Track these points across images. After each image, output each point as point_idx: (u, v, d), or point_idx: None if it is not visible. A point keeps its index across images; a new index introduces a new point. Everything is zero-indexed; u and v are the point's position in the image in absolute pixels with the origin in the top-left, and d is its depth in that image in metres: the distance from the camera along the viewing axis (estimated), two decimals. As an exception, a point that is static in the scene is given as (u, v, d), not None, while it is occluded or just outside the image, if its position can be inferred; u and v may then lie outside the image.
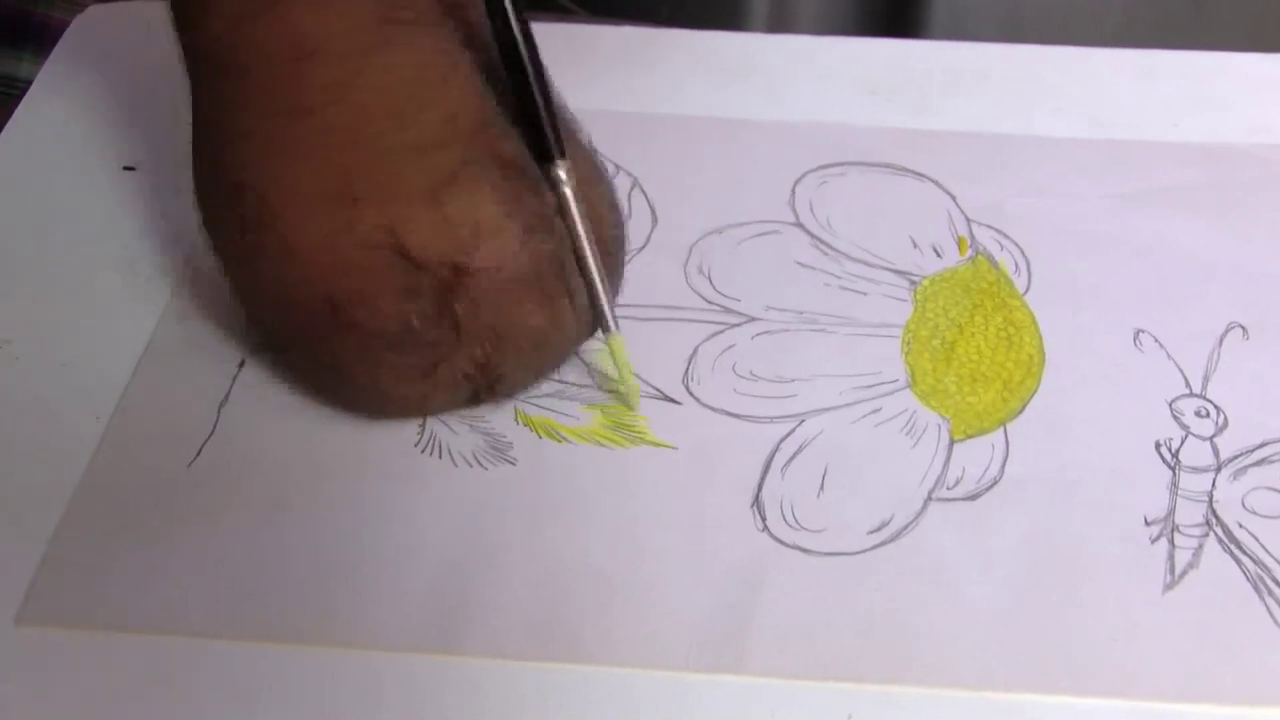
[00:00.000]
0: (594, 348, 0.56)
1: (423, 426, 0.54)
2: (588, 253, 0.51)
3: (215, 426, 0.54)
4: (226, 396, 0.55)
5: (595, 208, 0.53)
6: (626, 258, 0.58)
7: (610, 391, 0.56)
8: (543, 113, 0.51)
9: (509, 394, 0.54)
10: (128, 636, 0.48)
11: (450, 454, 0.53)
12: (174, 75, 0.52)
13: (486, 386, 0.52)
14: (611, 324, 0.53)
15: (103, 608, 0.49)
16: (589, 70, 0.70)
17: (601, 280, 0.52)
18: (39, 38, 0.80)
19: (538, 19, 0.71)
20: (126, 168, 0.64)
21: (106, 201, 0.63)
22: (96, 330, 0.57)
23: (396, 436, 0.54)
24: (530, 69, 0.51)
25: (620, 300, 0.58)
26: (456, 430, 0.54)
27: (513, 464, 0.53)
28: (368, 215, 0.48)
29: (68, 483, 0.52)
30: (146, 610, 0.48)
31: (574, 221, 0.51)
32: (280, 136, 0.49)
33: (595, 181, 0.54)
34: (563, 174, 0.51)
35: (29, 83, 0.70)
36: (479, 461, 0.53)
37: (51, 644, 0.48)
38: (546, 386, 0.56)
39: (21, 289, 0.59)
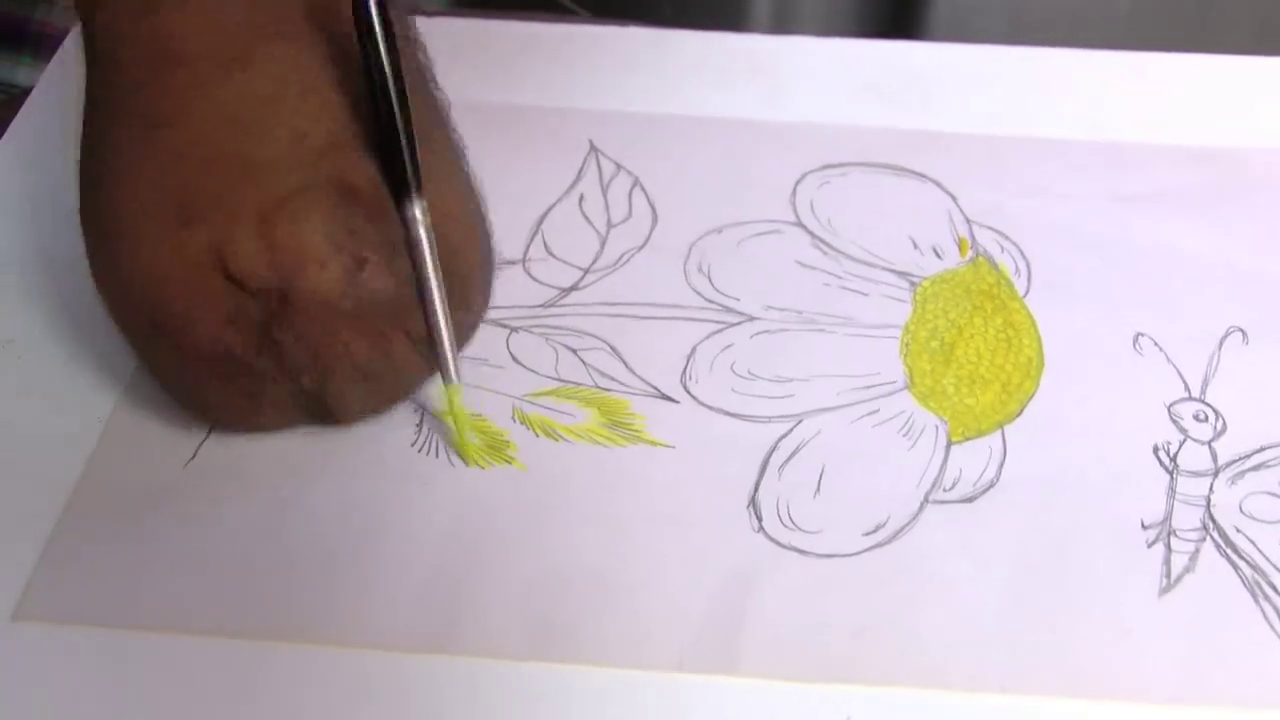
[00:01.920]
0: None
1: (419, 426, 0.54)
2: (434, 297, 0.48)
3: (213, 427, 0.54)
4: (225, 394, 0.55)
5: (456, 241, 0.50)
6: (626, 255, 0.59)
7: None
8: (403, 145, 0.48)
9: (352, 420, 0.53)
10: (124, 633, 0.48)
11: (447, 453, 0.53)
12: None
13: (321, 413, 0.51)
14: (452, 374, 0.51)
15: (100, 605, 0.49)
16: (591, 70, 0.70)
17: (445, 325, 0.49)
18: (37, 43, 0.80)
19: (539, 19, 0.72)
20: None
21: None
22: (97, 331, 0.57)
23: (394, 437, 0.54)
24: (394, 97, 0.47)
25: (619, 298, 0.58)
26: (454, 429, 0.54)
27: (509, 462, 0.53)
28: (199, 234, 0.46)
29: (67, 480, 0.52)
30: (143, 607, 0.49)
31: (423, 262, 0.48)
32: (135, 146, 0.48)
33: (461, 215, 0.51)
34: (417, 212, 0.48)
35: (28, 88, 0.70)
36: (476, 460, 0.53)
37: (49, 640, 0.48)
38: (544, 384, 0.56)
39: (24, 290, 0.59)
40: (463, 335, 0.52)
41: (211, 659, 0.47)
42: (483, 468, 0.53)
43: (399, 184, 0.48)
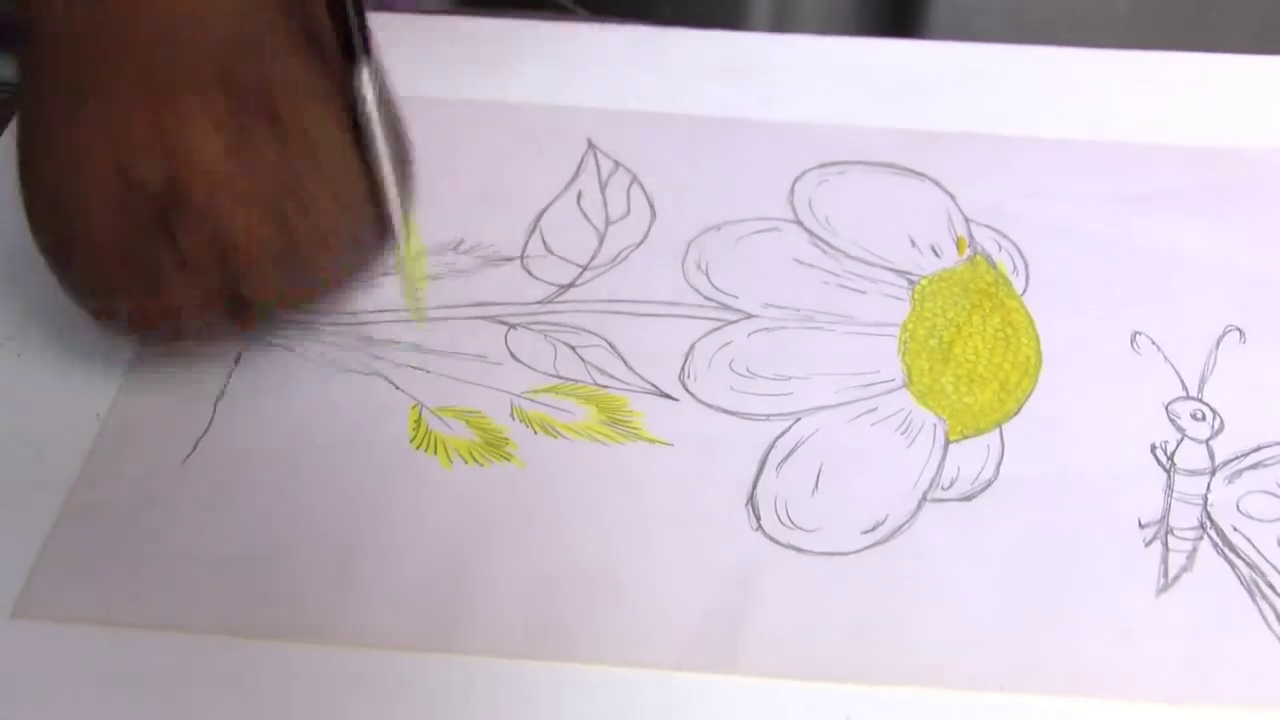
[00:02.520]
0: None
1: (419, 424, 0.54)
2: (382, 161, 0.50)
3: (211, 422, 0.54)
4: (223, 392, 0.55)
5: (392, 122, 0.51)
6: (625, 252, 0.60)
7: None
8: (351, 12, 0.48)
9: (273, 315, 0.52)
10: (123, 631, 0.48)
11: (446, 450, 0.53)
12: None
13: (237, 306, 0.50)
14: (399, 228, 0.51)
15: (98, 602, 0.49)
16: (589, 68, 0.70)
17: (393, 190, 0.50)
18: None
19: (538, 17, 0.72)
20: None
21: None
22: (96, 329, 0.57)
23: (392, 433, 0.54)
24: None
25: (617, 295, 0.58)
26: (452, 426, 0.54)
27: (508, 460, 0.53)
28: (90, 121, 0.46)
29: (65, 478, 0.52)
30: (142, 605, 0.49)
31: (371, 125, 0.49)
32: (44, 27, 0.46)
33: (391, 99, 0.52)
34: (365, 76, 0.48)
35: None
36: (474, 458, 0.53)
37: (48, 638, 0.48)
38: (543, 381, 0.56)
39: (22, 289, 0.59)
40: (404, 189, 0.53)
41: (210, 657, 0.47)
42: (483, 465, 0.53)
43: (347, 53, 0.48)
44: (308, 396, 0.55)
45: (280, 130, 0.48)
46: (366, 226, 0.51)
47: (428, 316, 0.56)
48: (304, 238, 0.49)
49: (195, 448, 0.53)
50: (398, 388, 0.55)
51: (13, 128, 0.64)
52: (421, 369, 0.56)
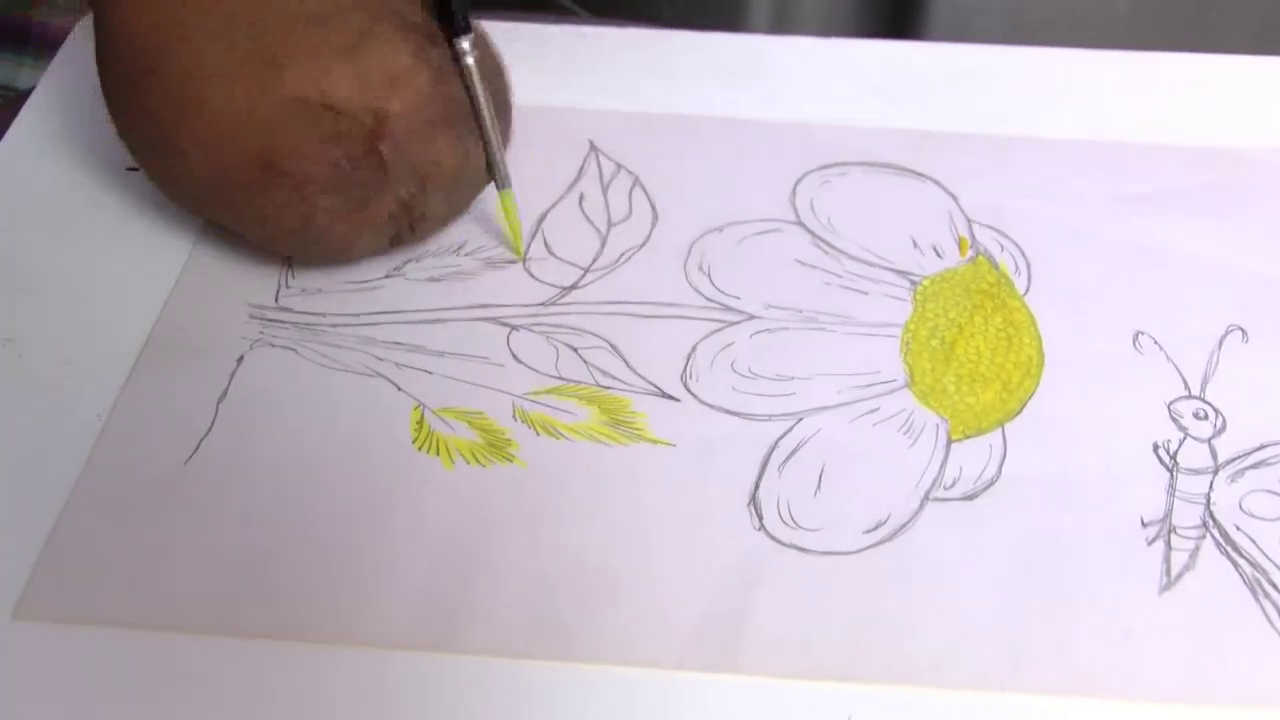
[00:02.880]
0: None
1: (421, 425, 0.54)
2: (486, 118, 0.57)
3: (213, 423, 0.54)
4: (225, 393, 0.55)
5: (492, 78, 0.58)
6: (627, 254, 0.61)
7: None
8: None
9: (426, 234, 0.60)
10: (125, 632, 0.48)
11: (448, 451, 0.53)
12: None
13: (409, 226, 0.58)
14: (505, 178, 0.59)
15: (100, 603, 0.49)
16: (591, 70, 0.70)
17: (497, 140, 0.58)
18: (39, 44, 0.80)
19: (540, 19, 0.72)
20: (129, 169, 0.64)
21: (109, 202, 0.63)
22: (98, 329, 0.57)
23: (394, 434, 0.54)
24: None
25: (619, 297, 0.58)
26: (454, 427, 0.54)
27: (510, 461, 0.53)
28: (290, 76, 0.53)
29: (67, 479, 0.52)
30: (144, 606, 0.49)
31: (474, 87, 0.56)
32: (191, 20, 0.53)
33: (491, 54, 0.59)
34: (466, 45, 0.55)
35: (28, 89, 0.70)
36: (476, 458, 0.53)
37: (50, 639, 0.48)
38: (545, 382, 0.56)
39: (25, 288, 0.59)
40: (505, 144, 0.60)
41: (212, 657, 0.47)
42: (485, 466, 0.53)
43: (449, 27, 0.56)
44: (310, 397, 0.55)
45: (450, 67, 0.56)
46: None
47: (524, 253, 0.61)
48: (472, 163, 0.57)
49: (197, 448, 0.53)
50: (400, 389, 0.55)
51: (14, 130, 0.65)
52: (423, 370, 0.56)
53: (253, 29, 0.53)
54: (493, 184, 0.60)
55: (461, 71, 0.56)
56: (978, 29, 0.81)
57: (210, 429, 0.54)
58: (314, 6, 0.54)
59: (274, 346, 0.57)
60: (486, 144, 0.57)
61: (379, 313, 0.58)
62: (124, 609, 0.48)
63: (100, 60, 0.57)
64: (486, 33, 0.59)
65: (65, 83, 0.69)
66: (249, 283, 0.60)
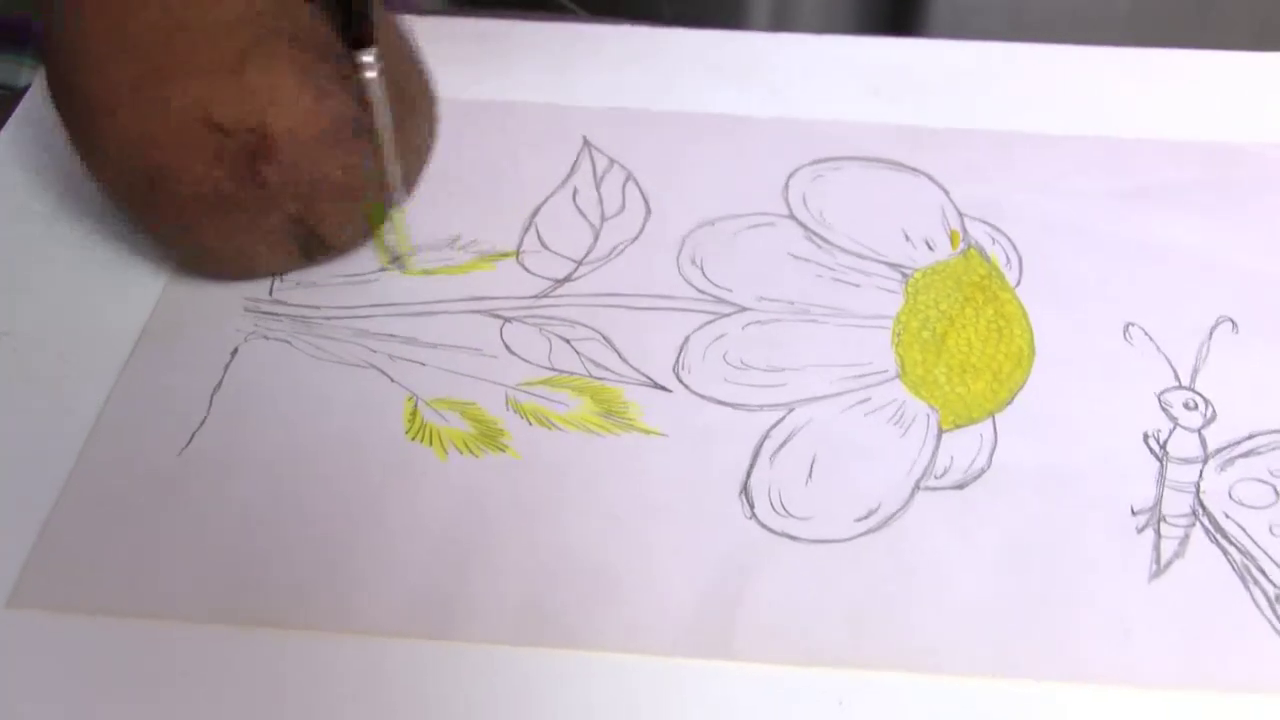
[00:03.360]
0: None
1: (414, 416, 0.54)
2: (382, 134, 0.55)
3: (207, 415, 0.54)
4: (219, 385, 0.55)
5: (405, 86, 0.57)
6: (620, 248, 0.61)
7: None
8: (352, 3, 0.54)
9: (338, 248, 0.59)
10: (119, 620, 0.48)
11: (441, 441, 0.54)
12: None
13: (312, 242, 0.57)
14: (397, 192, 0.58)
15: (94, 592, 0.49)
16: (585, 67, 0.71)
17: (391, 157, 0.56)
18: (39, 44, 0.80)
19: (534, 17, 0.72)
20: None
21: (103, 198, 0.63)
22: (92, 322, 0.58)
23: (388, 425, 0.54)
24: None
25: (612, 289, 0.59)
26: (447, 418, 0.54)
27: (503, 451, 0.53)
28: (178, 91, 0.52)
29: (62, 469, 0.52)
30: (137, 595, 0.49)
31: (373, 102, 0.54)
32: (109, 34, 0.52)
33: (409, 60, 0.59)
34: (368, 59, 0.54)
35: (26, 88, 0.70)
36: (469, 449, 0.53)
37: (43, 627, 0.48)
38: (538, 373, 0.56)
39: (20, 283, 0.60)
40: (420, 155, 0.60)
41: (207, 646, 0.48)
42: (478, 456, 0.53)
43: (351, 40, 0.54)
44: (304, 389, 0.55)
45: (343, 82, 0.54)
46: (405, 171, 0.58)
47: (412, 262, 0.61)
48: (369, 175, 0.56)
49: (191, 440, 0.53)
50: (393, 380, 0.56)
51: (11, 127, 0.65)
52: (417, 362, 0.56)
53: (149, 48, 0.52)
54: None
55: (361, 85, 0.54)
56: (977, 28, 0.81)
57: (204, 420, 0.54)
58: (204, 24, 0.52)
59: (268, 339, 0.57)
60: (381, 162, 0.56)
61: (372, 305, 0.59)
62: (118, 598, 0.49)
63: (45, 64, 0.56)
64: (407, 35, 0.59)
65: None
66: (243, 276, 0.60)
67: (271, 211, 0.55)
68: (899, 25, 0.85)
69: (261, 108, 0.52)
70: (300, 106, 0.53)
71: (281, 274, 0.60)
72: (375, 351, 0.57)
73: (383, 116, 0.54)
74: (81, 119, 0.54)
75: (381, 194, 0.57)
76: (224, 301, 0.59)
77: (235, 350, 0.57)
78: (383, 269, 0.60)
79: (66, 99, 0.55)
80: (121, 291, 0.59)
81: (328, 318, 0.58)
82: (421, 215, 0.62)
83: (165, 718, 0.46)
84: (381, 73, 0.54)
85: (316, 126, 0.53)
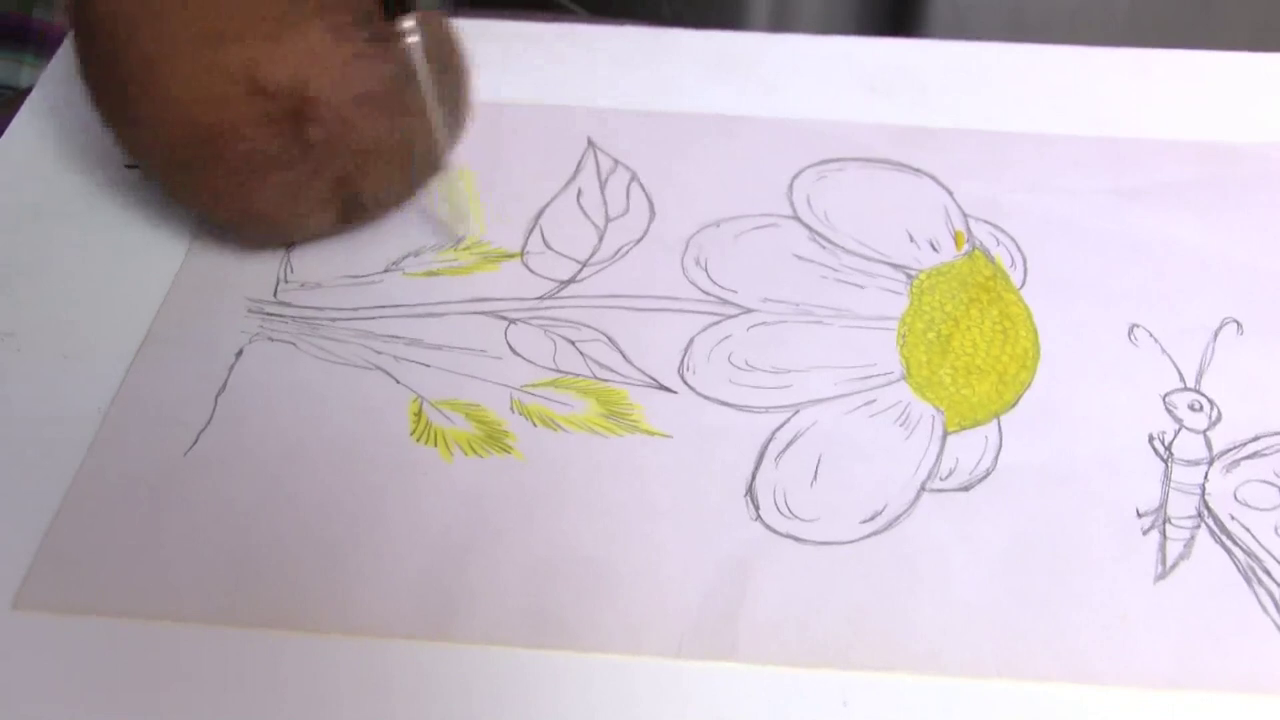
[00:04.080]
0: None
1: (419, 417, 0.54)
2: (428, 99, 0.57)
3: (213, 416, 0.54)
4: (224, 386, 0.55)
5: (445, 64, 0.59)
6: (624, 249, 0.61)
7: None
8: None
9: (380, 210, 0.61)
10: (124, 622, 0.48)
11: (446, 442, 0.54)
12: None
13: (353, 203, 0.59)
14: (447, 160, 0.60)
15: (100, 593, 0.49)
16: (589, 68, 0.71)
17: (440, 122, 0.58)
18: (39, 43, 0.81)
19: (538, 18, 0.72)
20: (128, 166, 0.64)
21: (108, 198, 0.63)
22: (97, 324, 0.58)
23: (392, 426, 0.54)
24: None
25: (616, 291, 0.59)
26: (452, 419, 0.54)
27: (508, 452, 0.53)
28: (228, 58, 0.54)
29: (67, 471, 0.52)
30: (142, 596, 0.49)
31: (416, 68, 0.56)
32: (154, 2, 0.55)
33: (452, 45, 0.60)
34: (407, 24, 0.56)
35: (28, 88, 0.70)
36: (474, 450, 0.53)
37: (49, 628, 0.48)
38: (542, 375, 0.56)
39: (25, 283, 0.60)
40: (458, 120, 0.61)
41: (211, 647, 0.48)
42: (483, 457, 0.53)
43: (390, 7, 0.56)
44: (309, 390, 0.55)
45: (385, 47, 0.56)
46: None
47: (474, 228, 0.63)
48: (417, 142, 0.58)
49: (196, 441, 0.54)
50: (398, 381, 0.56)
51: (14, 127, 0.65)
52: (421, 363, 0.56)
53: (195, 14, 0.54)
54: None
55: (403, 52, 0.56)
56: (977, 28, 0.81)
57: (209, 421, 0.54)
58: None
59: (272, 340, 0.57)
60: (430, 124, 0.58)
61: (377, 307, 0.59)
62: (123, 599, 0.49)
63: (77, 36, 0.58)
64: (450, 25, 0.60)
65: (65, 80, 0.69)
66: (247, 277, 0.60)
67: (317, 172, 0.57)
68: (899, 25, 0.85)
69: (302, 71, 0.54)
70: (339, 69, 0.55)
71: (320, 238, 0.61)
72: (380, 353, 0.57)
73: (425, 82, 0.56)
74: (125, 88, 0.56)
75: (426, 158, 0.59)
76: (228, 303, 0.59)
77: (240, 351, 0.57)
78: (387, 270, 0.60)
79: (106, 70, 0.56)
80: (126, 293, 0.59)
81: (332, 319, 0.58)
82: (426, 218, 0.62)
83: (169, 718, 0.46)
84: (422, 39, 0.56)
85: (357, 89, 0.55)
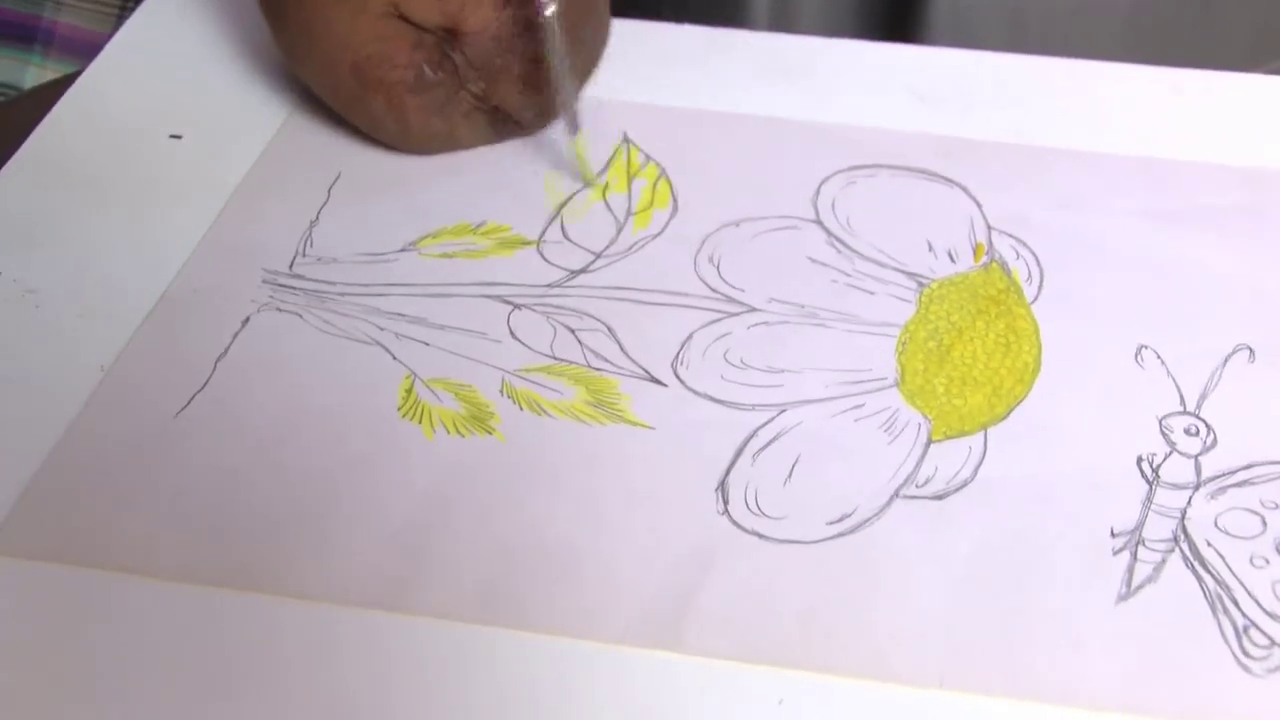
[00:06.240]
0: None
1: (409, 394, 0.55)
2: (555, 57, 0.62)
3: (209, 379, 0.56)
4: (225, 352, 0.57)
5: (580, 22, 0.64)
6: (640, 243, 0.62)
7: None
8: None
9: (521, 125, 0.66)
10: (98, 573, 0.49)
11: (430, 420, 0.54)
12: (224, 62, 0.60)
13: (496, 117, 0.65)
14: (576, 124, 0.64)
15: (74, 543, 0.50)
16: (629, 64, 0.71)
17: (567, 82, 0.63)
18: (47, 42, 0.83)
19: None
20: (173, 136, 0.66)
21: (147, 167, 0.65)
22: (115, 285, 0.59)
23: (381, 401, 0.55)
24: None
25: (625, 284, 0.59)
26: (441, 398, 0.55)
27: (490, 433, 0.54)
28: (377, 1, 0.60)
29: (60, 425, 0.54)
30: (115, 549, 0.50)
31: (552, 35, 0.61)
32: None
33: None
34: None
35: (32, 88, 0.72)
36: (457, 429, 0.54)
37: (24, 574, 0.49)
38: (538, 360, 0.56)
39: (49, 244, 0.62)
40: (587, 68, 0.67)
41: (176, 604, 0.49)
42: (464, 436, 0.54)
43: None
44: (306, 361, 0.56)
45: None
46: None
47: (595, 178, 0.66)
48: (545, 74, 0.63)
49: (189, 402, 0.55)
50: (395, 357, 0.57)
51: (76, 94, 0.66)
52: (421, 341, 0.57)
53: None
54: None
55: (543, 20, 0.61)
56: (977, 28, 0.80)
57: (205, 385, 0.55)
58: None
59: (280, 311, 0.58)
60: (558, 91, 0.63)
61: (388, 284, 0.60)
62: (95, 551, 0.50)
63: None
64: None
65: (130, 46, 0.71)
66: (268, 250, 0.61)
67: (461, 91, 0.63)
68: (899, 25, 0.84)
69: (452, 8, 0.60)
70: (485, 11, 0.61)
71: (477, 146, 0.67)
72: (383, 329, 0.58)
73: (558, 52, 0.61)
74: (294, 25, 0.63)
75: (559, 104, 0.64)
76: (244, 273, 0.60)
77: (247, 320, 0.58)
78: (403, 249, 0.61)
79: (281, 11, 0.64)
80: (147, 258, 0.61)
81: (342, 294, 0.59)
82: (445, 200, 0.63)
83: (123, 671, 0.47)
84: (558, 13, 0.60)
85: (499, 28, 0.61)
